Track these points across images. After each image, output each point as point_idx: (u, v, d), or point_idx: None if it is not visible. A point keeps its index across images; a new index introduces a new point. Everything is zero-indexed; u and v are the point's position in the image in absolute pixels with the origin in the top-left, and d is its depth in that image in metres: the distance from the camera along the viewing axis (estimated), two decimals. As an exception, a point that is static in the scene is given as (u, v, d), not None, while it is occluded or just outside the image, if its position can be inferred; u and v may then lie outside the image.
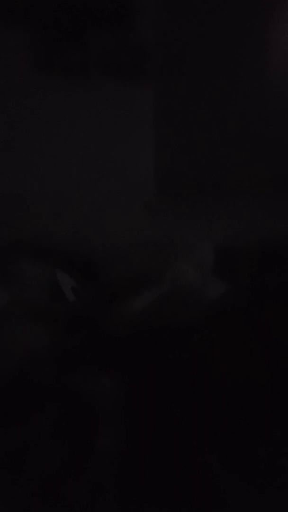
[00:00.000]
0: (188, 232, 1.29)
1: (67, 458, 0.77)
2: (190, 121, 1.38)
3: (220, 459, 0.79)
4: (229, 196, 1.42)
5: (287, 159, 1.47)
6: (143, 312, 1.11)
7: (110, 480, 0.76)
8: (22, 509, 0.72)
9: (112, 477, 0.76)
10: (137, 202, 1.37)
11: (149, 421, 0.85)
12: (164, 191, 1.39)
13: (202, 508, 0.73)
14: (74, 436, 0.81)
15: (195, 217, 1.36)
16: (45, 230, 1.27)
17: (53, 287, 1.08)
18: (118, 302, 1.11)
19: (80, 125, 1.32)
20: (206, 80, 1.38)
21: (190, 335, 1.04)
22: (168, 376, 0.92)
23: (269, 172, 1.46)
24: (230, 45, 1.38)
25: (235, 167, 1.43)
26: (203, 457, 0.79)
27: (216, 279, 1.22)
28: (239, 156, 1.42)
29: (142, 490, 0.74)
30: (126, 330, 1.04)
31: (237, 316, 1.12)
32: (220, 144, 1.41)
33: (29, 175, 1.30)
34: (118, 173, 1.35)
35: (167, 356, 0.97)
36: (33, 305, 1.05)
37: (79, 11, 1.25)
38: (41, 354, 0.95)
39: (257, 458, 0.80)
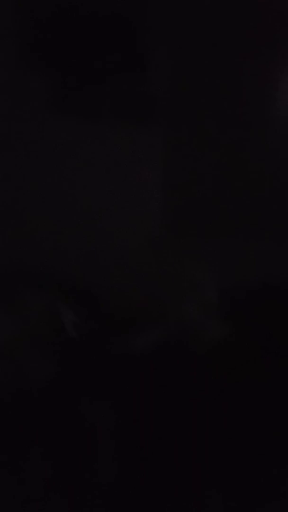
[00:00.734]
0: (193, 271, 1.31)
1: (60, 482, 0.78)
2: (198, 164, 1.41)
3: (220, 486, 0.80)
4: (235, 236, 1.43)
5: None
6: (145, 350, 1.12)
7: (107, 499, 0.76)
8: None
9: (109, 496, 0.76)
10: (143, 240, 1.39)
11: (148, 447, 0.86)
12: (171, 228, 1.41)
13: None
14: (73, 458, 0.82)
15: (201, 256, 1.38)
16: (48, 262, 1.30)
17: (55, 320, 1.10)
18: (120, 338, 1.12)
19: (90, 164, 1.35)
20: (214, 127, 1.42)
21: (193, 375, 1.05)
22: (170, 409, 0.94)
23: (275, 214, 1.47)
24: (241, 93, 1.42)
25: (242, 208, 1.44)
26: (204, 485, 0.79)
27: (221, 317, 1.23)
28: (246, 198, 1.44)
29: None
30: (129, 363, 1.05)
31: (242, 357, 1.14)
32: (227, 186, 1.43)
33: (36, 209, 1.33)
34: (125, 211, 1.37)
35: (170, 389, 0.99)
36: (35, 337, 1.07)
37: (94, 60, 1.31)
38: (43, 382, 0.96)
39: (257, 490, 0.80)
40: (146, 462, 0.84)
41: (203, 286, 1.25)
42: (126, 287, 1.26)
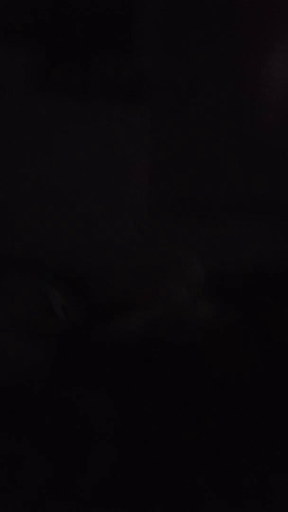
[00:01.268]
0: (181, 252, 1.29)
1: (56, 472, 0.76)
2: (185, 143, 1.40)
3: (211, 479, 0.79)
4: (222, 217, 1.43)
5: (282, 182, 1.48)
6: (135, 331, 1.11)
7: (101, 495, 0.75)
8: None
9: (103, 492, 0.75)
10: (131, 222, 1.38)
11: (142, 436, 0.85)
12: (158, 211, 1.40)
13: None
14: (66, 449, 0.81)
15: (188, 238, 1.37)
16: (38, 246, 1.28)
17: (44, 304, 1.09)
18: (109, 322, 1.11)
19: (76, 144, 1.33)
20: (201, 105, 1.40)
21: (182, 354, 1.04)
22: (160, 393, 0.92)
23: (263, 194, 1.47)
24: (227, 71, 1.40)
25: (230, 189, 1.44)
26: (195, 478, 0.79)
27: (208, 300, 1.22)
28: (233, 178, 1.43)
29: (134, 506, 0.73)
30: (118, 347, 1.04)
31: (229, 336, 1.13)
32: (214, 166, 1.42)
33: (24, 191, 1.30)
34: (113, 193, 1.36)
35: (159, 373, 0.97)
36: (25, 321, 1.05)
37: (81, 35, 1.28)
38: (34, 368, 0.94)
39: (247, 485, 0.79)
40: (144, 456, 0.83)
41: (192, 270, 1.24)
42: (115, 272, 1.24)
